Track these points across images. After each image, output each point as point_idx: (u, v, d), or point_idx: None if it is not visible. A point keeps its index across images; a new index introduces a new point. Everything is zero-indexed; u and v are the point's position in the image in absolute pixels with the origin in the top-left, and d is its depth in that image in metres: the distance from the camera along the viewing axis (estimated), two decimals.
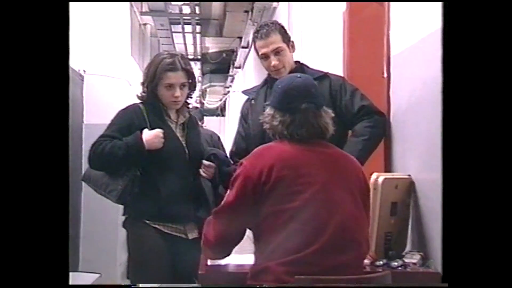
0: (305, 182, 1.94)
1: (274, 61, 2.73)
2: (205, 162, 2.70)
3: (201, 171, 2.69)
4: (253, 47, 2.82)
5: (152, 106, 2.65)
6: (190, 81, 2.70)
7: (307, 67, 2.86)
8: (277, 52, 2.73)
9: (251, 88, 3.03)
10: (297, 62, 2.84)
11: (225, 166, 2.72)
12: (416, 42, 2.60)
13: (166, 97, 2.64)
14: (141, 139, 2.53)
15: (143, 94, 2.68)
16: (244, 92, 3.01)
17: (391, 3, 2.93)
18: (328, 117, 2.07)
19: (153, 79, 2.62)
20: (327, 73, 2.82)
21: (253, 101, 2.86)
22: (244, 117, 2.90)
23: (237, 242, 2.04)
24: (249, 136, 2.80)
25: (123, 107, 2.67)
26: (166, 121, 2.67)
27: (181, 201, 2.60)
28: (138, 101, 2.70)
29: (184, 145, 2.66)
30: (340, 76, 2.89)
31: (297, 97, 2.03)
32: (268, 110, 2.09)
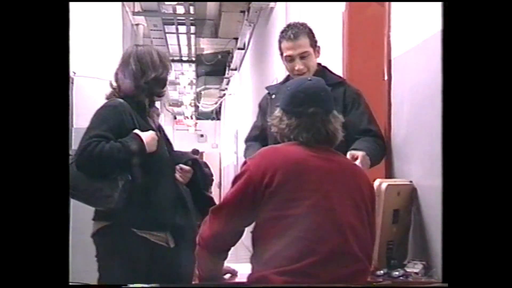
0: (309, 189, 1.88)
1: (299, 65, 2.68)
2: (183, 166, 2.59)
3: (177, 175, 2.57)
4: (278, 47, 2.81)
5: (136, 103, 2.49)
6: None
7: (329, 71, 2.83)
8: (303, 56, 2.69)
9: (275, 85, 3.06)
10: (319, 64, 2.79)
11: (204, 172, 2.68)
12: (418, 44, 2.58)
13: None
14: (143, 142, 2.40)
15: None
16: (267, 87, 3.02)
17: (392, 3, 2.89)
18: (337, 122, 2.01)
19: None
20: (344, 80, 2.77)
21: (273, 96, 2.83)
22: (263, 109, 2.89)
23: (233, 242, 1.99)
24: (268, 129, 2.71)
25: (108, 103, 2.47)
26: (149, 122, 2.54)
27: (167, 208, 2.47)
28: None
29: (165, 148, 2.54)
30: (358, 92, 2.78)
31: (304, 101, 1.97)
32: (277, 112, 2.04)
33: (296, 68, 2.68)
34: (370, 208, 1.98)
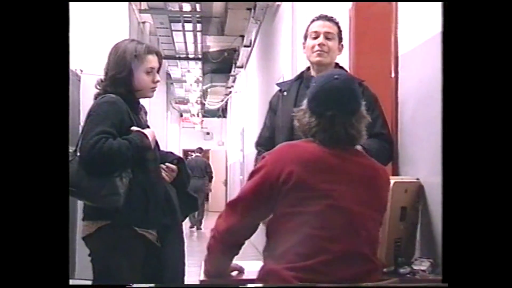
0: (325, 188, 1.87)
1: (322, 40, 2.72)
2: (170, 165, 2.57)
3: (163, 173, 2.55)
4: (304, 32, 2.85)
5: (129, 100, 2.44)
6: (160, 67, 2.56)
7: (346, 72, 2.81)
8: (327, 37, 2.74)
9: (286, 81, 3.07)
10: (336, 64, 2.81)
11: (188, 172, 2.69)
12: (425, 40, 2.56)
13: (146, 84, 2.48)
14: (148, 139, 2.39)
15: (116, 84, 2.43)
16: (278, 84, 3.01)
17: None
18: (362, 123, 1.96)
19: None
20: (363, 81, 2.74)
21: (285, 93, 2.84)
22: (273, 108, 2.89)
23: (248, 236, 1.99)
24: (277, 127, 2.79)
25: (105, 98, 2.40)
26: (141, 118, 2.52)
27: (160, 206, 2.45)
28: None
29: (153, 146, 2.48)
30: (374, 95, 2.76)
31: (325, 102, 1.93)
32: (304, 106, 2.00)
33: (318, 43, 2.71)
34: (383, 210, 1.98)
